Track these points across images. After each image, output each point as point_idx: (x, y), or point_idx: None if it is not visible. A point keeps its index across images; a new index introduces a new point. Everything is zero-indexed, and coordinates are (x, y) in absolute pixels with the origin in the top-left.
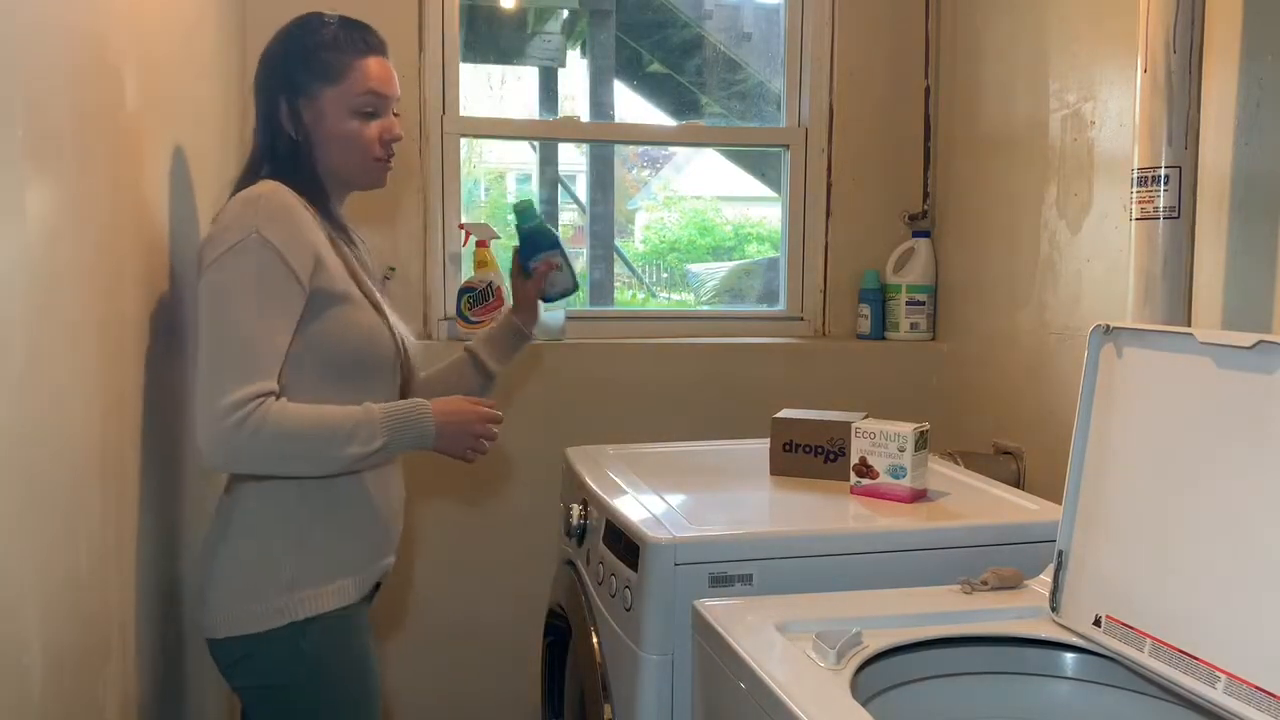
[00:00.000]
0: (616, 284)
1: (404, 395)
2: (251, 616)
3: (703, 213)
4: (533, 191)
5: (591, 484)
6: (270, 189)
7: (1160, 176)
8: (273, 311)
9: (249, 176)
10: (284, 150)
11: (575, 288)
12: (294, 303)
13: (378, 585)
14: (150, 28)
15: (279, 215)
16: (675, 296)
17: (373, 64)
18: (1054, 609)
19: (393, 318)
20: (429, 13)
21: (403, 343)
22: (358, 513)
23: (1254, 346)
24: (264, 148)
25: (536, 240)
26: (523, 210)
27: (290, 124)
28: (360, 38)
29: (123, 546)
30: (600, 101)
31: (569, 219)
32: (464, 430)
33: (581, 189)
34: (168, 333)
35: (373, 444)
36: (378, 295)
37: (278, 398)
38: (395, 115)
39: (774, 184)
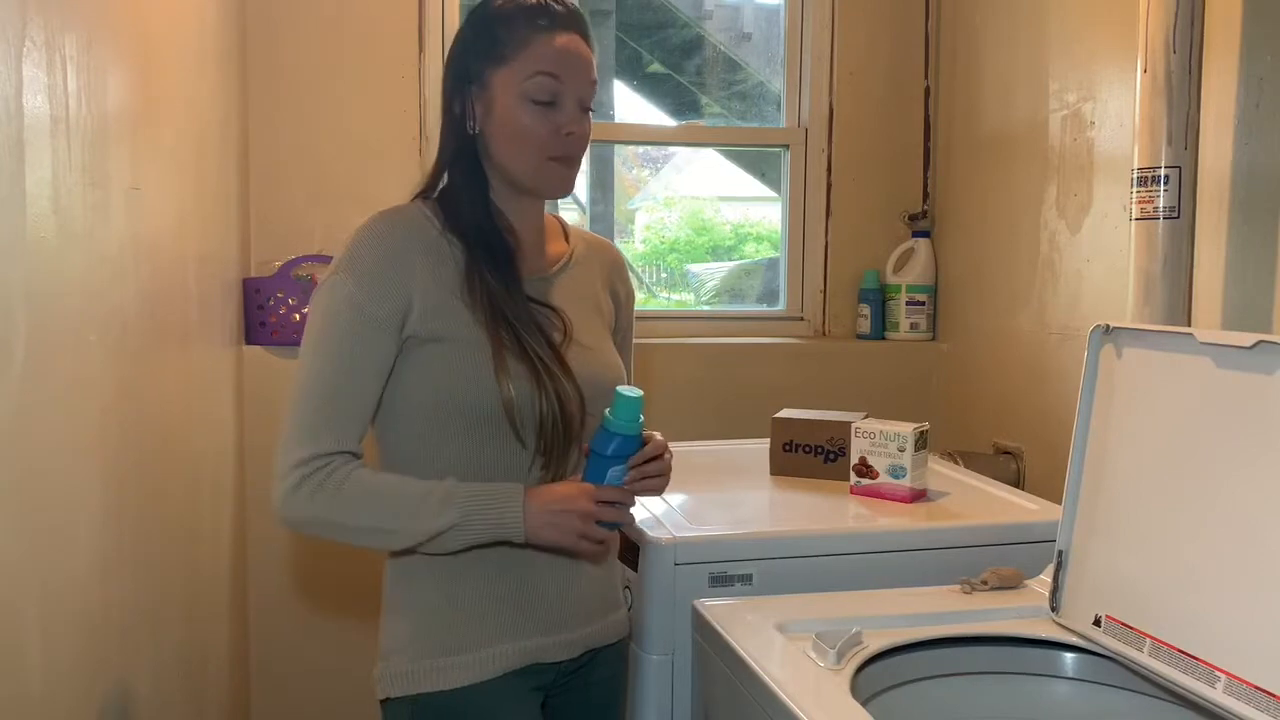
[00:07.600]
0: None
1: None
2: (378, 680)
3: (700, 212)
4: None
5: None
6: (372, 221)
7: (1160, 176)
8: (350, 362)
9: (429, 184)
10: (453, 151)
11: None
12: (372, 351)
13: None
14: (150, 28)
15: (367, 252)
16: (675, 296)
17: (548, 41)
18: (1054, 609)
19: (548, 360)
20: (429, 13)
21: (538, 396)
22: (473, 582)
23: (1254, 346)
24: (441, 148)
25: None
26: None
27: (465, 118)
28: (539, 9)
29: (123, 546)
30: (600, 101)
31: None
32: (564, 521)
33: (581, 189)
34: (168, 332)
35: (439, 519)
36: (530, 333)
37: (356, 457)
38: (588, 110)
39: (774, 184)
